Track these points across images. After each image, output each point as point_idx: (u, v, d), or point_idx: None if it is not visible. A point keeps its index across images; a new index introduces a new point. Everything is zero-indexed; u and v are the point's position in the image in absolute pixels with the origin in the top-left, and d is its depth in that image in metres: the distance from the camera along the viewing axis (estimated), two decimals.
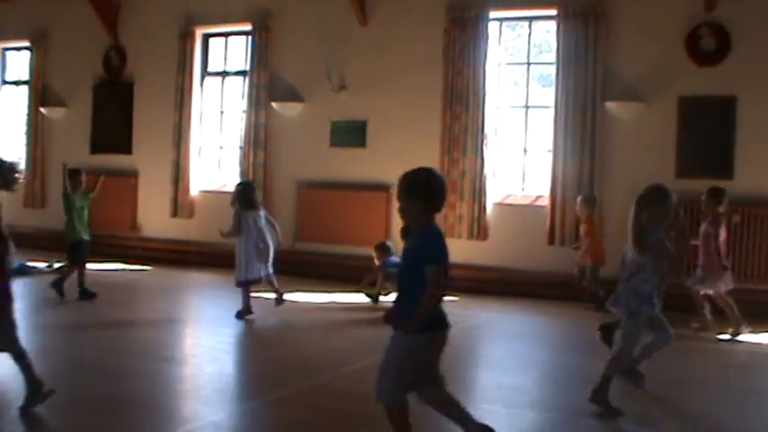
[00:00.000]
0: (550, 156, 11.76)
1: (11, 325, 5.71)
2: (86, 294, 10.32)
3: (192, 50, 14.28)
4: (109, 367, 7.11)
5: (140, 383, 6.65)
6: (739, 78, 10.77)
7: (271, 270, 9.72)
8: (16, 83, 16.89)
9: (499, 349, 8.94)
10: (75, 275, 10.40)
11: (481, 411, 6.26)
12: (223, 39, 14.59)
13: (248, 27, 13.74)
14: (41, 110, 15.76)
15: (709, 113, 10.92)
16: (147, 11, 14.76)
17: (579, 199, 11.12)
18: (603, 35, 11.37)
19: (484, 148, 12.05)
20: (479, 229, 12.03)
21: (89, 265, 10.68)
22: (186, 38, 14.28)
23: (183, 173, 14.26)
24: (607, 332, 7.20)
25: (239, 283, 9.59)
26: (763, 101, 10.65)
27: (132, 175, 14.75)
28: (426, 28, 12.40)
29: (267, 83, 13.55)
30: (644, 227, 6.26)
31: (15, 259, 6.25)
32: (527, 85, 12.59)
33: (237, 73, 14.37)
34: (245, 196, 9.71)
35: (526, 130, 12.48)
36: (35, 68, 15.94)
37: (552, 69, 11.88)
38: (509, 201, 12.18)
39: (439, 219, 12.06)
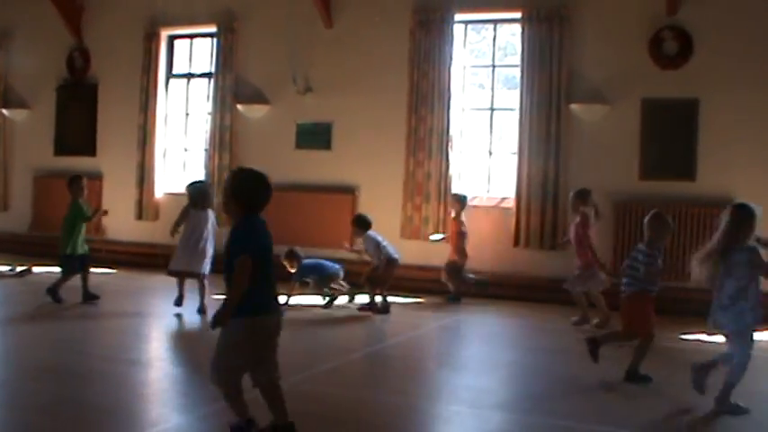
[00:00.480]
0: (515, 158, 11.82)
1: None
2: (89, 297, 10.23)
3: (157, 52, 14.21)
4: (73, 370, 7.05)
5: (105, 386, 6.60)
6: (701, 81, 10.89)
7: (205, 271, 9.94)
8: None
9: (465, 350, 8.98)
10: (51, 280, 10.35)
11: (448, 412, 6.30)
12: (188, 40, 14.54)
13: (213, 29, 13.70)
14: (4, 111, 15.59)
15: (672, 116, 11.04)
16: (111, 12, 14.64)
17: (451, 196, 11.71)
18: (568, 38, 11.46)
19: (449, 149, 12.09)
20: (445, 231, 12.06)
21: (52, 269, 10.58)
22: (151, 39, 14.20)
23: (147, 175, 14.18)
24: (594, 347, 7.32)
25: (168, 272, 10.11)
26: (724, 103, 10.79)
27: (97, 177, 14.60)
28: (392, 30, 12.42)
29: (232, 85, 13.51)
30: (740, 242, 6.31)
31: None
32: (492, 88, 12.66)
33: (203, 75, 14.31)
34: (195, 195, 10.16)
35: (491, 132, 12.54)
36: None
37: (517, 72, 11.94)
38: (475, 203, 12.23)
39: (404, 220, 12.24)
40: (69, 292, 10.19)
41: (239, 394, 5.13)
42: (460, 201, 11.59)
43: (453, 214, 11.61)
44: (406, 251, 11.79)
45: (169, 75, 14.49)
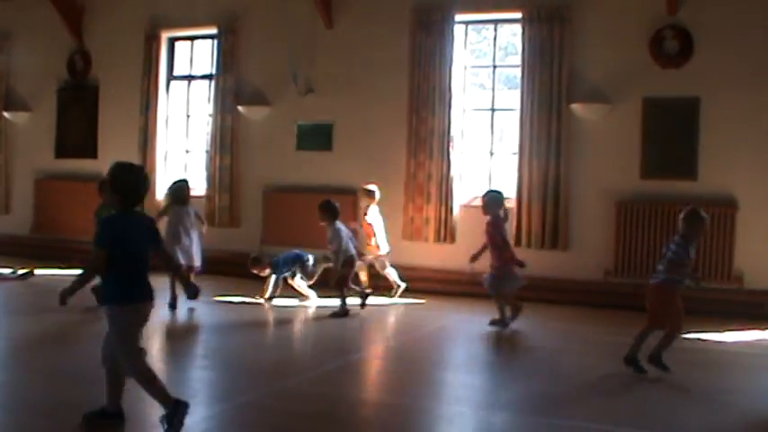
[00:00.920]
0: (516, 158, 11.81)
1: None
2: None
3: (158, 54, 14.20)
4: (76, 374, 7.04)
5: (104, 389, 6.58)
6: (702, 80, 10.88)
7: (196, 263, 10.44)
8: None
9: (467, 351, 8.97)
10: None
11: (449, 412, 6.30)
12: (189, 42, 14.52)
13: (214, 31, 13.69)
14: (5, 114, 15.58)
15: (673, 115, 11.03)
16: (111, 14, 14.64)
17: (360, 190, 11.67)
18: (568, 37, 11.44)
19: (450, 150, 12.08)
20: (446, 232, 12.05)
21: (54, 272, 10.56)
22: (152, 41, 14.19)
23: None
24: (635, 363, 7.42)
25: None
26: (725, 102, 10.77)
27: (98, 179, 14.59)
28: (392, 31, 12.42)
29: (233, 86, 13.50)
30: None
31: None
32: (493, 88, 12.64)
33: (203, 76, 14.30)
34: (174, 193, 10.65)
35: (492, 133, 12.52)
36: None
37: (518, 72, 11.92)
38: (476, 203, 12.19)
39: (406, 221, 12.23)
40: (80, 296, 10.13)
41: (155, 376, 5.38)
42: (369, 194, 11.49)
43: (364, 208, 11.48)
44: (408, 252, 11.83)
45: (170, 77, 14.48)
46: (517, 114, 11.81)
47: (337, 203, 10.49)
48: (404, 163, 12.25)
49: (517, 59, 12.07)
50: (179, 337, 9.30)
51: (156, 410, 5.41)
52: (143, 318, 5.41)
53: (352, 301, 10.43)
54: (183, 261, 10.10)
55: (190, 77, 14.53)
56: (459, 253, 11.92)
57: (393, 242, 11.43)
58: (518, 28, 11.92)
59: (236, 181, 13.49)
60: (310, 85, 12.96)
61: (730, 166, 10.77)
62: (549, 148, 11.50)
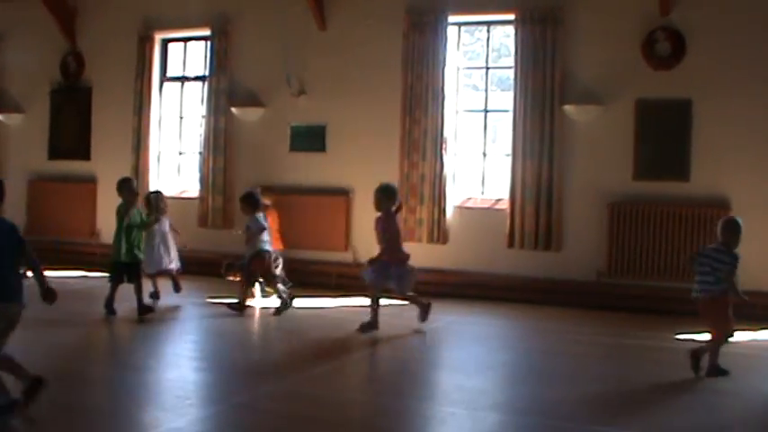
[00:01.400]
0: (510, 159, 11.83)
1: None
2: (143, 309, 9.92)
3: (151, 55, 14.18)
4: (68, 374, 7.05)
5: (101, 390, 6.61)
6: (694, 82, 10.91)
7: (173, 266, 11.12)
8: None
9: (460, 352, 8.98)
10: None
11: (443, 414, 6.32)
12: (182, 44, 14.51)
13: (207, 32, 13.68)
14: None
15: (665, 116, 11.05)
16: (104, 15, 14.63)
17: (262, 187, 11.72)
18: (561, 39, 11.47)
19: (443, 151, 12.09)
20: (439, 233, 12.06)
21: (48, 273, 10.51)
22: (145, 43, 14.18)
23: (142, 179, 14.12)
24: (695, 360, 7.51)
25: (146, 275, 10.68)
26: (717, 104, 10.80)
27: (91, 181, 14.60)
28: (385, 32, 12.42)
29: (226, 88, 13.50)
30: None
31: None
32: (486, 89, 12.67)
33: (197, 78, 14.30)
34: (152, 203, 11.09)
35: (485, 134, 12.54)
36: None
37: (511, 73, 11.95)
38: (469, 204, 12.24)
39: (398, 222, 12.19)
40: (73, 297, 10.16)
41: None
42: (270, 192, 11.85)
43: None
44: None
45: (163, 78, 14.47)
46: (510, 115, 11.82)
47: (259, 195, 10.76)
48: (397, 164, 12.25)
49: (510, 61, 12.10)
50: (173, 338, 9.30)
51: (142, 407, 5.40)
52: (11, 318, 5.90)
53: (253, 301, 10.72)
54: (163, 267, 11.00)
55: (183, 79, 14.53)
56: (453, 254, 12.00)
57: None
58: (511, 29, 11.96)
59: (229, 182, 13.48)
60: (303, 86, 12.96)
61: (723, 167, 10.80)
62: (542, 150, 11.52)
